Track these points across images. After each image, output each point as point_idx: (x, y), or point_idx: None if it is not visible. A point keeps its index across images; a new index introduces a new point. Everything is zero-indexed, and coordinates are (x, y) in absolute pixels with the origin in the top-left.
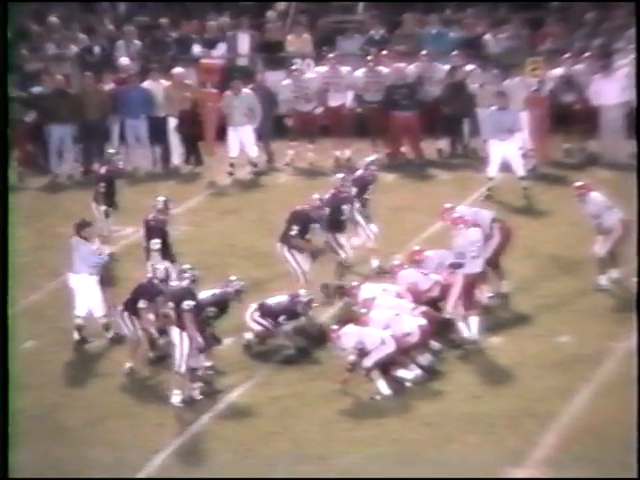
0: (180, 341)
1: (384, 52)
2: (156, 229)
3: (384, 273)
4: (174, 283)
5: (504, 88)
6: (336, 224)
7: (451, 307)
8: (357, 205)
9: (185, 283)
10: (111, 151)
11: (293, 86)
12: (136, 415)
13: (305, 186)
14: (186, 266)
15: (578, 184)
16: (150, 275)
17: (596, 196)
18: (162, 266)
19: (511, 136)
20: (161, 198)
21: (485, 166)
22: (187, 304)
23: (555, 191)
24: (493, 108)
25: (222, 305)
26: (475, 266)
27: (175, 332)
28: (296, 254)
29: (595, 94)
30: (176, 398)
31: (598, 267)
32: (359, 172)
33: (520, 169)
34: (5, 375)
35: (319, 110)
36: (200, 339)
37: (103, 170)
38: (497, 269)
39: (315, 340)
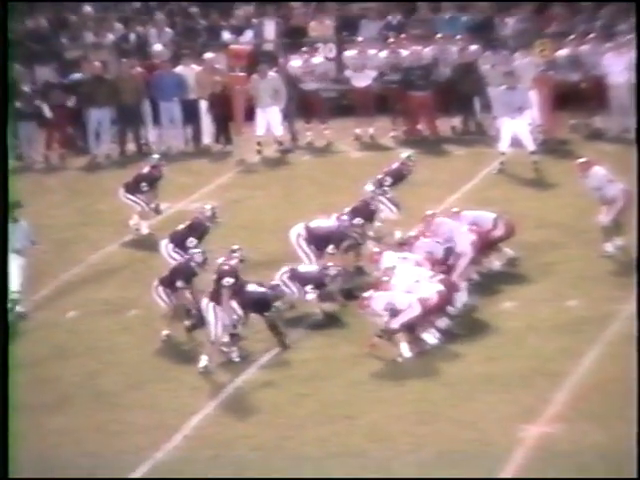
0: (212, 314)
1: (403, 36)
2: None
3: (404, 244)
4: (221, 260)
5: (514, 68)
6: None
7: (457, 277)
8: (389, 194)
9: (233, 262)
10: (156, 156)
11: (302, 66)
12: (173, 379)
13: (327, 163)
14: (236, 246)
15: (580, 161)
16: (187, 257)
17: (598, 170)
18: (200, 250)
19: (521, 114)
20: (208, 206)
21: (496, 142)
22: (227, 281)
23: (563, 164)
24: (503, 87)
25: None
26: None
27: (205, 304)
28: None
29: (605, 71)
30: (202, 363)
31: (603, 235)
32: (395, 165)
33: (530, 144)
34: (5, 373)
35: (326, 93)
36: (236, 313)
37: (146, 170)
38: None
39: (342, 303)
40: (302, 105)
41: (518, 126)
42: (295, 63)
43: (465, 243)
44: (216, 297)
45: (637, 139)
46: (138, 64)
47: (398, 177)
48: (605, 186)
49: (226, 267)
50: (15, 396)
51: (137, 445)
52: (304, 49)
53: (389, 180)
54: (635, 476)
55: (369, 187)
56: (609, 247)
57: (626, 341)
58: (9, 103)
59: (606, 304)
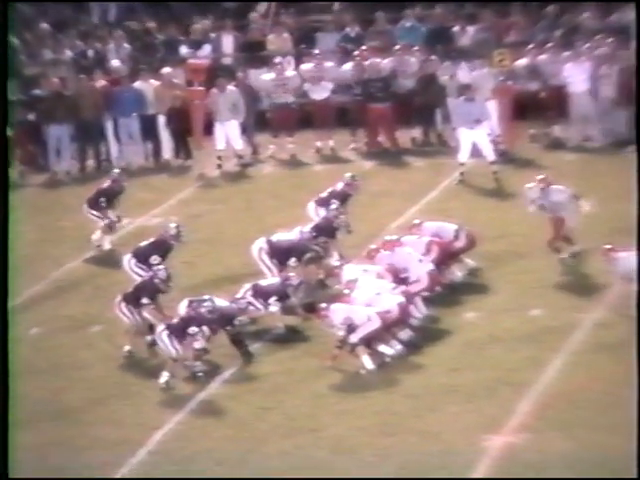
0: (166, 340)
1: (364, 47)
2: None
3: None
4: (186, 303)
5: (472, 79)
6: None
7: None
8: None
9: (202, 310)
10: (116, 171)
11: (275, 79)
12: (137, 395)
13: (288, 176)
14: (206, 297)
15: (540, 177)
16: (151, 274)
17: (557, 188)
18: (163, 267)
19: (479, 125)
20: (173, 224)
21: (457, 153)
22: (192, 330)
23: (523, 174)
24: (461, 98)
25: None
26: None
27: (160, 331)
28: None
29: (565, 81)
30: (163, 379)
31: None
32: (340, 186)
33: (490, 154)
34: (5, 372)
35: (296, 105)
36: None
37: (106, 184)
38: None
39: (303, 316)
40: (272, 118)
41: (477, 137)
42: (267, 76)
43: (421, 272)
44: (175, 332)
45: (637, 140)
46: (101, 78)
47: (344, 199)
48: (567, 207)
49: (193, 314)
50: None
51: (102, 461)
52: (277, 61)
53: (336, 203)
54: (635, 476)
55: (313, 207)
56: (564, 255)
57: (590, 349)
58: None
59: (569, 313)
